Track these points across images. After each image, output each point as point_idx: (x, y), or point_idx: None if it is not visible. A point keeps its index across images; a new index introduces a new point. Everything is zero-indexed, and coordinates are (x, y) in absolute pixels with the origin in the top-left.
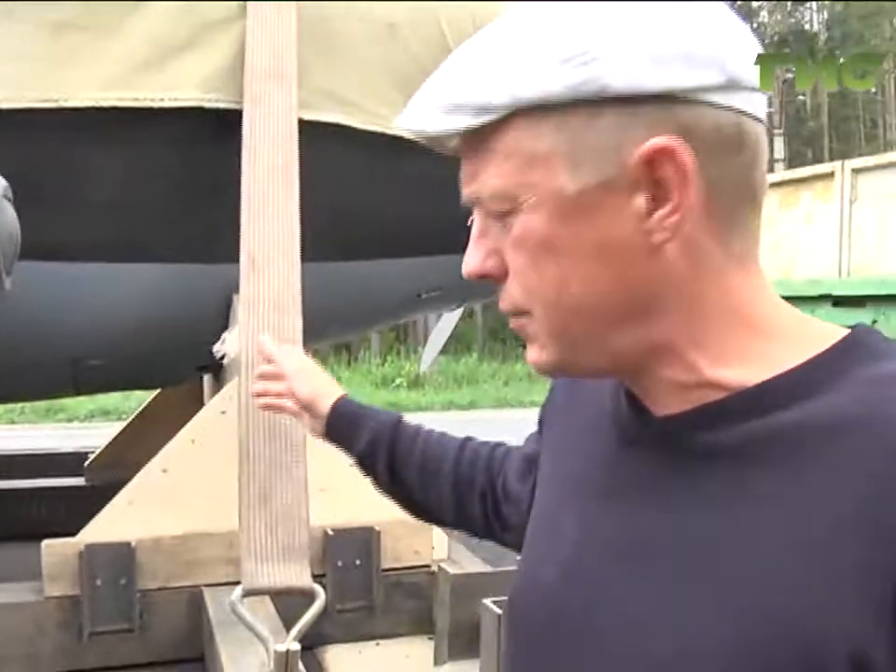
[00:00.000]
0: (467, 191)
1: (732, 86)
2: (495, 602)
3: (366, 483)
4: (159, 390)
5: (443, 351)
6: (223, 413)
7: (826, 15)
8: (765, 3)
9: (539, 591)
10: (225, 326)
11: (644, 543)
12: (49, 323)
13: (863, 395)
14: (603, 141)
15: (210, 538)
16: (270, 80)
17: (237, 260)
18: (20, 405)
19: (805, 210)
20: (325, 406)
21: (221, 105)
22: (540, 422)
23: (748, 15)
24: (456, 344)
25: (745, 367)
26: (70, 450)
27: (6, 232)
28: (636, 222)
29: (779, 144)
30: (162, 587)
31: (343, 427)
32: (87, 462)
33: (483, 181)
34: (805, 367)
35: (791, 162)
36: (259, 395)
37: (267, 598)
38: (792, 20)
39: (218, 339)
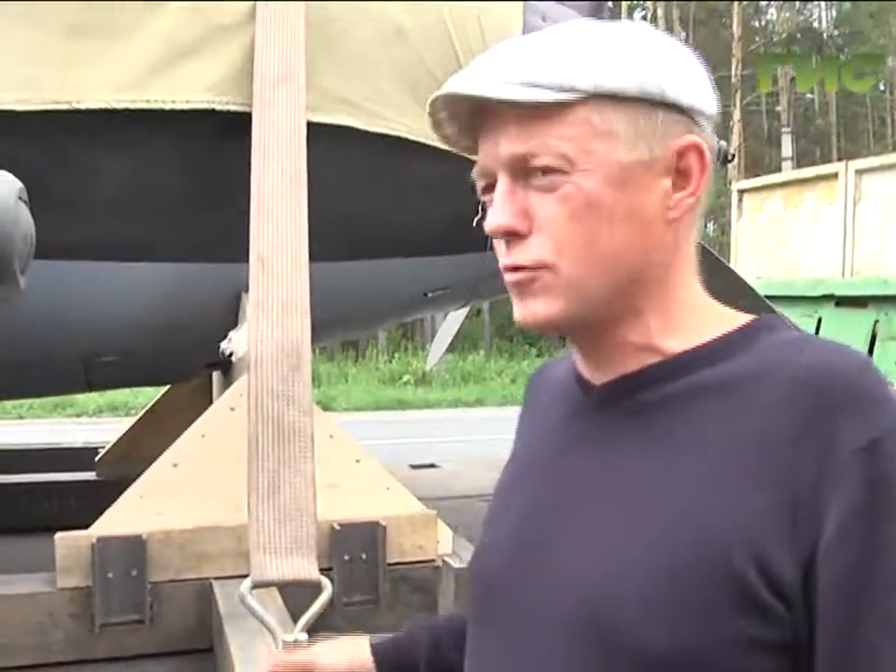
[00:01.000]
0: (514, 151)
1: (713, 120)
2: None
3: (372, 479)
4: (169, 386)
5: (450, 348)
6: (232, 409)
7: (834, 13)
8: (773, 1)
9: (492, 552)
10: (234, 324)
11: (582, 492)
12: (62, 321)
13: (762, 356)
14: (654, 130)
15: (219, 531)
16: (279, 83)
17: (246, 260)
18: (28, 400)
19: (809, 210)
20: (364, 657)
21: (231, 108)
22: (516, 437)
23: (755, 13)
24: (464, 342)
25: (679, 338)
26: (81, 445)
27: (21, 233)
28: (662, 198)
29: (787, 142)
30: (173, 579)
31: (394, 652)
32: (98, 457)
33: (543, 143)
34: (721, 339)
35: (799, 161)
36: None
37: (275, 591)
38: (801, 17)
39: (227, 337)
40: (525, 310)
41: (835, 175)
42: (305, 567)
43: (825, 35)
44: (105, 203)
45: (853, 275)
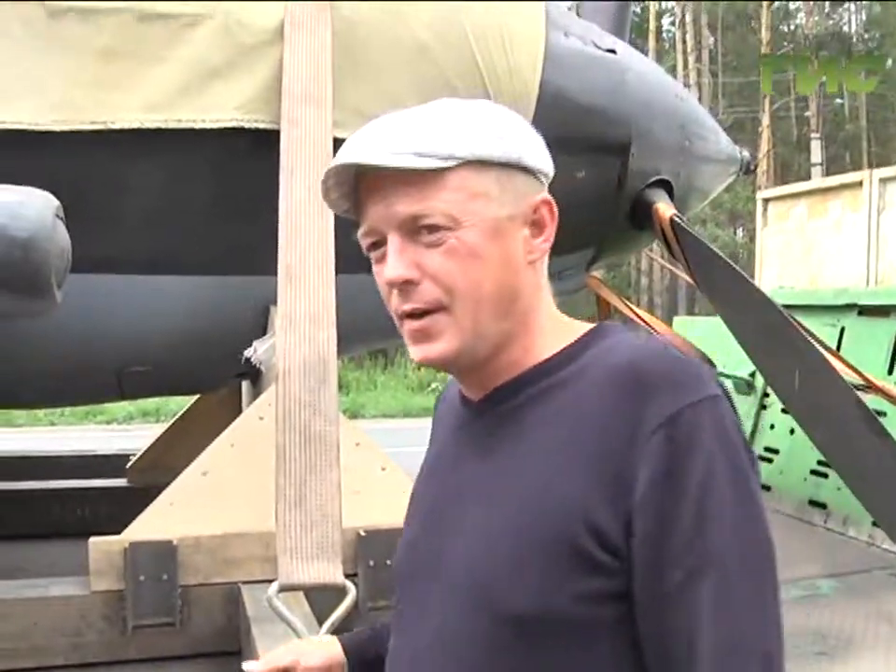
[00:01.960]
0: (405, 213)
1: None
2: None
3: (397, 486)
4: (198, 396)
5: None
6: (261, 419)
7: (864, 17)
8: (802, 4)
9: (405, 547)
10: (262, 335)
11: (467, 488)
12: (96, 332)
13: (586, 360)
14: (515, 190)
15: (247, 537)
16: (306, 101)
17: (274, 273)
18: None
19: (833, 219)
20: (338, 651)
21: (260, 126)
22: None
23: (784, 17)
24: None
25: (531, 355)
26: (112, 452)
27: (58, 249)
28: (523, 244)
29: (816, 147)
30: (202, 583)
31: (359, 644)
32: (128, 464)
33: (430, 205)
34: (563, 351)
35: (829, 166)
36: None
37: (301, 595)
38: (830, 21)
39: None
40: (421, 352)
41: (860, 184)
42: (331, 572)
43: (855, 38)
44: (138, 219)
45: (877, 284)
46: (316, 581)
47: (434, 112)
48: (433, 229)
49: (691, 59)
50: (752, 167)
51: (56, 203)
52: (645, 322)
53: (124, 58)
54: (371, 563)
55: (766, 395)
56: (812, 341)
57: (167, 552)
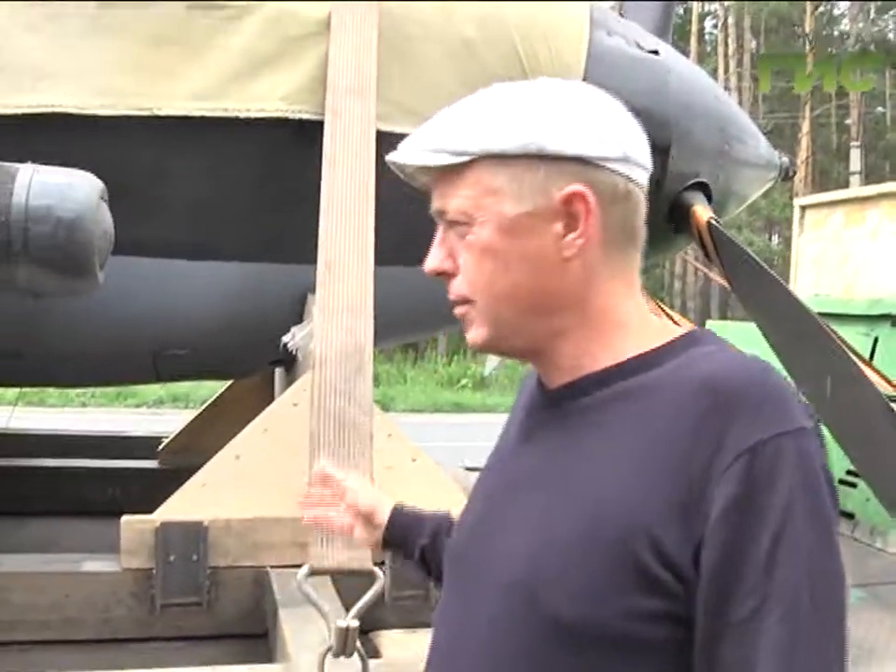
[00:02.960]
0: (436, 206)
1: (626, 160)
2: None
3: (427, 478)
4: (231, 382)
5: None
6: (295, 405)
7: None
8: (847, 9)
9: (461, 531)
10: (299, 323)
11: (530, 481)
12: (135, 314)
13: (671, 368)
14: (537, 183)
15: (277, 522)
16: (350, 94)
17: (312, 261)
18: (92, 389)
19: (870, 227)
20: (385, 511)
21: (304, 117)
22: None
23: (828, 22)
24: None
25: (613, 352)
26: (144, 434)
27: (101, 230)
28: (554, 242)
29: (856, 156)
30: (231, 566)
31: (405, 525)
32: (160, 446)
33: (450, 201)
34: (650, 352)
35: (868, 176)
36: (318, 520)
37: (329, 582)
38: (875, 28)
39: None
40: (468, 336)
41: None
42: (360, 558)
43: None
44: (180, 205)
45: None
46: (347, 566)
47: (469, 103)
48: (454, 223)
49: (732, 62)
50: (791, 173)
51: (101, 185)
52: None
53: (172, 45)
54: None
55: None
56: (846, 349)
57: (198, 533)
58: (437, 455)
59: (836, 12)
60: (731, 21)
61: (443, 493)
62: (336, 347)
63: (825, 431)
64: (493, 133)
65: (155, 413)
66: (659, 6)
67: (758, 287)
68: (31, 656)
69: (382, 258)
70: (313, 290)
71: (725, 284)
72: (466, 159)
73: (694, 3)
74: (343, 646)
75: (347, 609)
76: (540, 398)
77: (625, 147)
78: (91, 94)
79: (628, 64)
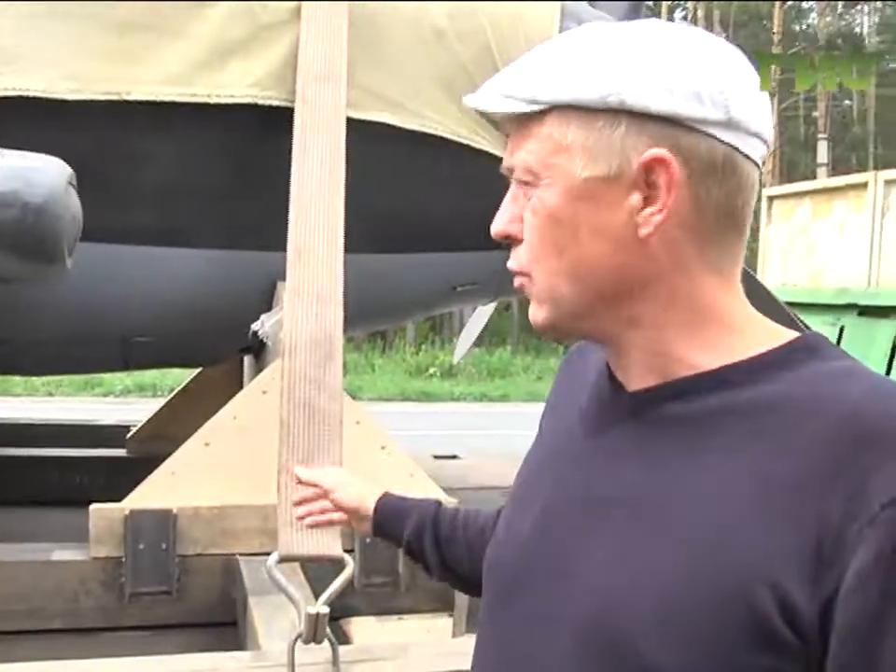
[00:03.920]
0: (505, 162)
1: (731, 126)
2: None
3: (396, 466)
4: (200, 370)
5: (478, 343)
6: (264, 392)
7: (877, 19)
8: (815, 4)
9: (514, 543)
10: (268, 311)
11: (608, 498)
12: (103, 301)
13: (808, 383)
14: (616, 143)
15: (247, 510)
16: (321, 80)
17: (281, 249)
18: (58, 378)
19: (837, 219)
20: (369, 506)
21: (274, 103)
22: (540, 422)
23: (797, 16)
24: (491, 337)
25: (709, 353)
26: (112, 422)
27: (69, 215)
28: (628, 215)
29: (823, 148)
30: (200, 554)
31: (390, 519)
32: (129, 434)
33: (518, 156)
34: (760, 357)
35: (835, 167)
36: (304, 517)
37: (298, 569)
38: (843, 22)
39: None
40: (529, 313)
41: (865, 186)
42: (330, 544)
43: (867, 40)
44: (149, 191)
45: (878, 285)
46: (316, 553)
47: (556, 45)
48: (521, 183)
49: None
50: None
51: (69, 170)
52: None
53: (141, 31)
54: (368, 540)
55: None
56: None
57: (167, 521)
58: (405, 444)
59: (805, 6)
60: (700, 14)
61: (413, 481)
62: (306, 335)
63: None
64: (569, 81)
65: (122, 402)
66: (628, 4)
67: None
68: None
69: (352, 245)
70: (282, 278)
71: None
72: (536, 108)
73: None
74: (314, 632)
75: (317, 597)
76: (615, 397)
77: (732, 110)
78: (58, 78)
79: None
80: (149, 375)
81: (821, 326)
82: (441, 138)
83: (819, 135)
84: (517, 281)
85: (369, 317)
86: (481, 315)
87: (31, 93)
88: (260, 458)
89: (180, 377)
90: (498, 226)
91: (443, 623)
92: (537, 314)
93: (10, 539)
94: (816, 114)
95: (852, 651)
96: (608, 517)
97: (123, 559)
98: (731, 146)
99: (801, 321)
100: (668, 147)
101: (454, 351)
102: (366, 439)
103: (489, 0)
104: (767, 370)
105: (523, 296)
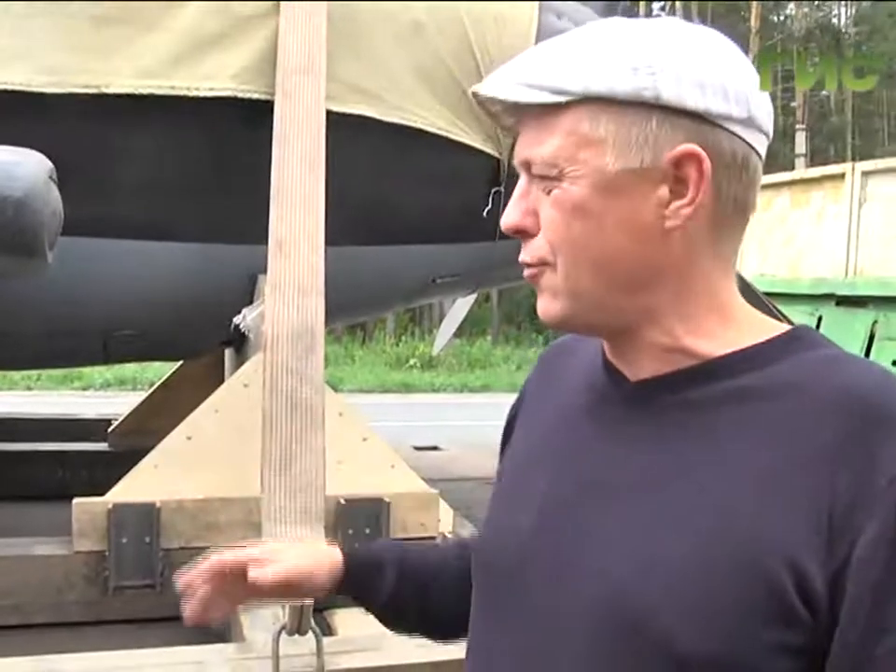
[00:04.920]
0: (522, 155)
1: (749, 123)
2: None
3: (378, 457)
4: (181, 363)
5: (458, 334)
6: (246, 385)
7: (854, 11)
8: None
9: (512, 537)
10: (249, 303)
11: (614, 482)
12: (84, 295)
13: (805, 368)
14: (647, 137)
15: (230, 502)
16: (300, 73)
17: (262, 242)
18: (37, 371)
19: (815, 209)
20: (332, 562)
21: (254, 96)
22: (510, 417)
23: (774, 7)
24: (471, 328)
25: (713, 342)
26: (93, 416)
27: (50, 209)
28: (656, 207)
29: (801, 139)
30: (184, 547)
31: (364, 572)
32: (110, 428)
33: (539, 149)
34: (759, 346)
35: (813, 158)
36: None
37: None
38: (820, 13)
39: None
40: (539, 306)
41: (842, 176)
42: (313, 537)
43: (844, 31)
44: (129, 184)
45: (855, 276)
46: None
47: (578, 35)
48: (540, 177)
49: None
50: None
51: (49, 164)
52: None
53: (119, 24)
54: (350, 531)
55: None
56: None
57: (150, 514)
58: (386, 435)
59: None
60: (678, 5)
61: (394, 472)
62: (287, 326)
63: None
64: (601, 73)
65: (102, 396)
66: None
67: None
68: None
69: (332, 238)
70: (264, 271)
71: None
72: (564, 99)
73: None
74: (298, 623)
75: None
76: (614, 387)
77: (752, 109)
78: (37, 72)
79: None
80: (129, 369)
81: (799, 316)
82: (421, 130)
83: (798, 126)
84: (528, 272)
85: (349, 309)
86: (461, 306)
87: (9, 87)
88: (243, 451)
89: (160, 371)
90: (513, 220)
91: None
92: (551, 306)
93: None
94: (794, 104)
95: (863, 621)
96: (615, 503)
97: (107, 553)
98: (747, 142)
99: (779, 311)
100: (698, 142)
101: (434, 342)
102: (348, 430)
103: None
104: (770, 357)
105: (507, 285)
